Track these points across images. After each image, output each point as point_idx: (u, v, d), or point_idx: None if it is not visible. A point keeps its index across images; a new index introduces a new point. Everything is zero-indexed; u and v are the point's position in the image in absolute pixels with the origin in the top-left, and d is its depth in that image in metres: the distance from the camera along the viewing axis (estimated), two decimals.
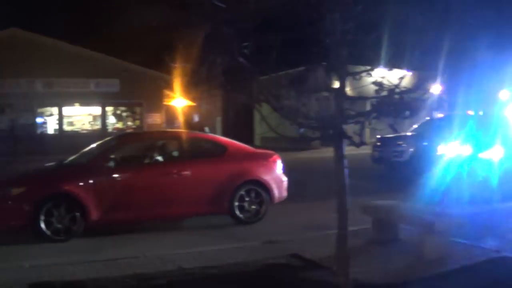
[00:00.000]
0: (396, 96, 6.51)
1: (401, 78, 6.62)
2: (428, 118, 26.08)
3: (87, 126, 48.28)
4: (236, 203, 14.38)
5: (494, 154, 18.87)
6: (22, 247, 12.15)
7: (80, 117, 48.25)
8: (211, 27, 6.68)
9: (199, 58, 6.91)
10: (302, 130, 6.88)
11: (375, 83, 6.52)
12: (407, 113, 6.55)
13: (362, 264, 9.87)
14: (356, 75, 6.87)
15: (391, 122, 6.82)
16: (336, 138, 6.78)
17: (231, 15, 6.50)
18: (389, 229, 11.68)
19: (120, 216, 13.41)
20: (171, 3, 6.88)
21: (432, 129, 25.36)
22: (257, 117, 55.90)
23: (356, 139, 6.66)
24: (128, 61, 47.14)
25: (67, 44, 45.52)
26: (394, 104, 6.50)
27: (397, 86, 6.49)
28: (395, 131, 7.10)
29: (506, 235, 11.54)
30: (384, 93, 6.51)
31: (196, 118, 19.55)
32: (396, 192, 15.98)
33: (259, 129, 57.00)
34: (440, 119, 25.44)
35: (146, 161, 14.87)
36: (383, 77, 6.57)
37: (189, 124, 19.07)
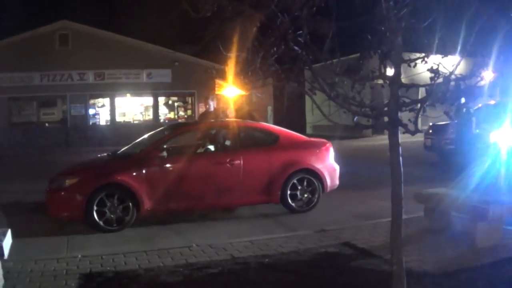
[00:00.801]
0: (452, 83, 6.46)
1: (457, 64, 6.56)
2: (480, 105, 25.73)
3: (139, 117, 48.67)
4: (288, 192, 14.37)
5: None
6: (74, 238, 12.29)
7: (132, 107, 48.65)
8: (266, 16, 6.70)
9: (253, 47, 6.91)
10: (356, 118, 6.86)
11: (430, 70, 6.48)
12: (463, 100, 6.51)
13: (414, 253, 9.88)
14: (411, 62, 6.83)
15: (446, 109, 6.78)
16: (391, 126, 6.75)
17: (286, 3, 6.51)
18: (441, 217, 11.61)
19: (172, 206, 13.49)
20: None
21: (484, 116, 25.07)
22: (308, 105, 55.92)
23: (411, 126, 6.62)
24: (180, 51, 47.35)
25: (118, 35, 45.93)
26: (449, 91, 6.45)
27: (452, 72, 6.44)
28: (450, 118, 7.06)
29: None
30: (440, 80, 6.46)
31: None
32: (449, 180, 15.84)
33: (311, 118, 57.04)
34: (492, 105, 25.08)
35: (199, 151, 14.94)
36: (438, 64, 6.51)
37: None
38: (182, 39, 51.23)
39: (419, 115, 6.71)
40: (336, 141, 20.38)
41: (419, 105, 6.69)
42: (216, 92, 43.85)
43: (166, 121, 46.84)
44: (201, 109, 45.47)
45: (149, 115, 48.53)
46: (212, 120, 16.90)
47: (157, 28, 44.59)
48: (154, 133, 15.79)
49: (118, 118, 47.83)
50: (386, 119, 6.84)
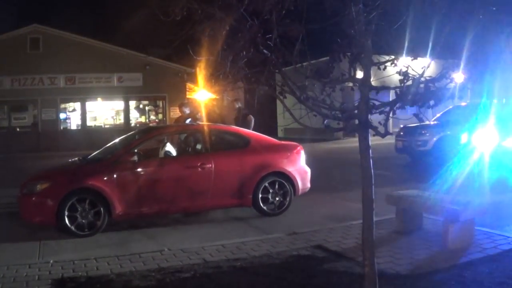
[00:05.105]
0: (421, 85, 6.47)
1: (426, 67, 6.58)
2: (451, 106, 25.93)
3: (110, 121, 48.62)
4: (260, 195, 14.35)
5: None
6: (47, 243, 12.17)
7: (103, 112, 48.58)
8: (235, 19, 6.68)
9: (223, 50, 6.90)
10: (327, 121, 6.86)
11: (399, 72, 6.49)
12: (432, 102, 6.51)
13: (387, 254, 9.91)
14: (380, 65, 6.83)
15: (416, 111, 6.79)
16: (362, 128, 6.76)
17: (256, 6, 6.50)
18: (413, 219, 11.67)
19: (144, 210, 13.42)
20: None
21: (455, 117, 25.23)
22: (279, 108, 56.01)
23: (381, 129, 6.63)
24: (151, 55, 47.36)
25: (89, 39, 45.78)
26: (419, 93, 6.47)
27: (421, 75, 6.46)
28: (420, 120, 7.08)
29: None
30: (409, 82, 6.47)
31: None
32: (420, 182, 15.93)
33: (282, 121, 57.16)
34: (463, 107, 25.28)
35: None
36: (407, 66, 6.53)
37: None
38: (153, 43, 51.20)
39: (389, 118, 6.73)
40: (307, 144, 20.38)
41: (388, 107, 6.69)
42: (187, 96, 43.87)
43: (137, 125, 46.65)
44: (173, 113, 45.46)
45: (120, 119, 48.48)
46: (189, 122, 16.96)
47: (128, 32, 44.43)
48: (125, 137, 15.67)
49: (89, 123, 47.72)
50: (356, 121, 6.85)
